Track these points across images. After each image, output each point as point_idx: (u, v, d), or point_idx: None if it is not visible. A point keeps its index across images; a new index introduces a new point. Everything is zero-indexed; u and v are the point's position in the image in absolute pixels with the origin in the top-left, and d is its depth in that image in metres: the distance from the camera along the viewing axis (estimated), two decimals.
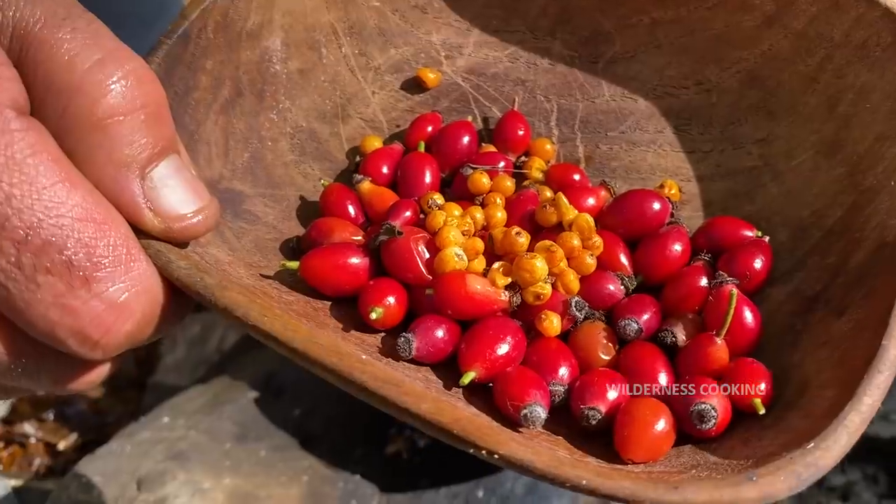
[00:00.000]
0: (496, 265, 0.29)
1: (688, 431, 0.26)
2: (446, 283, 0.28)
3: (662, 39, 0.36)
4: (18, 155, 0.18)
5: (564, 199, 0.31)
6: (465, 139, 0.35)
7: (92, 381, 0.24)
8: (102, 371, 0.24)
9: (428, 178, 0.33)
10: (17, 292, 0.19)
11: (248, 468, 0.73)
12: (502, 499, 0.74)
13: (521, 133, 0.35)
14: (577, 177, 0.34)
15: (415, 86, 0.38)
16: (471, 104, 0.38)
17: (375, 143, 0.36)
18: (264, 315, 0.24)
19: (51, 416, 1.19)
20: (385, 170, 0.34)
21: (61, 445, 1.15)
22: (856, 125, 0.32)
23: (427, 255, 0.29)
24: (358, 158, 0.36)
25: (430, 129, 0.36)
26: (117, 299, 0.21)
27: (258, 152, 0.33)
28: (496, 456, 0.23)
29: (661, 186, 0.34)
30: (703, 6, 0.35)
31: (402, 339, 0.28)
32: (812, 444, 0.21)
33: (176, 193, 0.23)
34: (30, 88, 0.20)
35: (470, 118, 0.37)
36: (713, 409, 0.25)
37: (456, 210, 0.31)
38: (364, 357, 0.26)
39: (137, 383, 1.26)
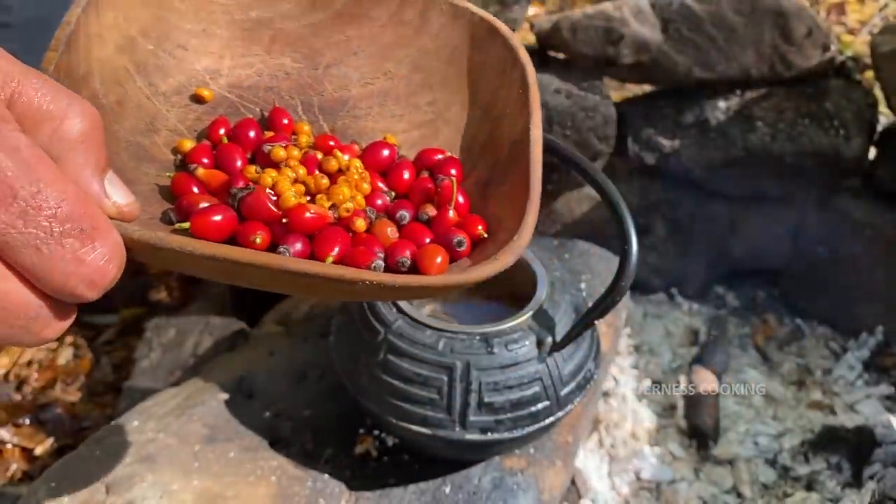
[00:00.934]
0: (319, 196, 0.45)
1: (454, 257, 0.44)
2: (293, 212, 0.42)
3: (357, 48, 0.54)
4: (32, 161, 0.28)
5: (339, 153, 0.48)
6: (253, 131, 0.50)
7: (62, 328, 0.32)
8: (69, 322, 0.32)
9: (238, 161, 0.48)
10: (48, 253, 0.28)
11: (217, 469, 0.74)
12: (469, 495, 0.75)
13: (286, 122, 0.51)
14: (332, 142, 0.51)
15: (197, 101, 0.51)
16: (240, 109, 0.52)
17: (189, 144, 0.48)
18: (205, 246, 0.35)
19: (27, 421, 1.20)
20: (205, 160, 0.47)
21: (38, 450, 1.16)
22: (481, 83, 0.52)
23: (274, 198, 0.43)
24: (180, 156, 0.48)
25: (222, 130, 0.50)
26: (109, 253, 0.30)
27: (112, 163, 0.43)
28: (367, 282, 0.36)
29: (385, 139, 0.52)
30: (376, 25, 0.54)
31: (283, 248, 0.40)
32: (514, 238, 0.41)
33: (119, 190, 0.35)
34: (19, 120, 0.30)
35: (251, 115, 0.52)
36: (463, 238, 0.44)
37: (273, 173, 0.46)
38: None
39: (114, 387, 1.26)
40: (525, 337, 0.71)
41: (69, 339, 1.35)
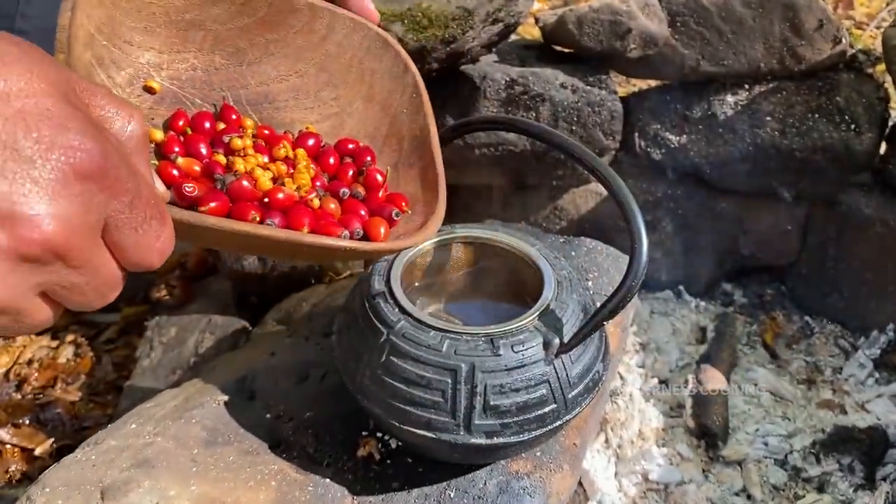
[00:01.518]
0: (286, 180, 0.55)
1: (391, 226, 0.54)
2: (270, 193, 0.51)
3: (273, 50, 0.62)
4: (128, 160, 0.34)
5: (286, 143, 0.58)
6: (208, 123, 0.57)
7: (119, 292, 0.37)
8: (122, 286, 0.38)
9: (204, 149, 0.55)
10: (142, 233, 0.35)
11: (216, 473, 0.72)
12: (474, 499, 0.73)
13: (234, 117, 0.59)
14: (266, 131, 0.59)
15: (148, 92, 0.57)
16: (182, 99, 0.59)
17: (158, 134, 0.54)
18: (235, 224, 0.44)
19: (27, 421, 1.18)
20: (177, 149, 0.54)
21: (38, 451, 1.14)
22: (376, 85, 0.63)
23: (252, 182, 0.52)
24: (153, 145, 0.53)
25: (182, 122, 0.56)
26: (171, 230, 0.37)
27: None
28: (344, 248, 0.48)
29: (307, 129, 0.62)
30: (291, 31, 0.62)
31: (269, 221, 0.49)
32: (435, 211, 0.53)
33: (158, 181, 0.43)
34: (98, 124, 0.35)
35: (206, 109, 0.60)
36: (398, 211, 0.55)
37: (240, 160, 0.54)
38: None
39: (115, 386, 1.25)
40: (532, 338, 0.69)
41: (70, 337, 1.33)
